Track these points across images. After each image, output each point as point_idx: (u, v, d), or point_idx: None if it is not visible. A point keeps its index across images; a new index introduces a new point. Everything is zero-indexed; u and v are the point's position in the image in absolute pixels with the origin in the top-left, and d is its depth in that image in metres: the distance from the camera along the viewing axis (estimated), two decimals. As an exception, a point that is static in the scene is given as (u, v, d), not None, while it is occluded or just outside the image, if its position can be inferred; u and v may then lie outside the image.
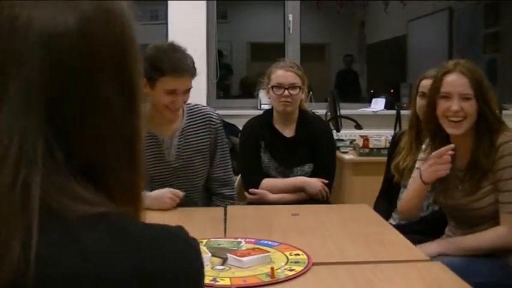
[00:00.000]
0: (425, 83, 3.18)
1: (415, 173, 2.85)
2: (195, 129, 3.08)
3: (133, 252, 0.73)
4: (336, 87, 8.51)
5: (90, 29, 0.76)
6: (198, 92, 5.48)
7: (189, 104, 3.08)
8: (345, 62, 9.47)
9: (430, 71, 3.19)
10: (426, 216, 3.16)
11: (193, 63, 2.92)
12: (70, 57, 0.74)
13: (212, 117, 3.13)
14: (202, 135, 3.08)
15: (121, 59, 0.80)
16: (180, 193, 2.91)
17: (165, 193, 2.90)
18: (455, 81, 2.64)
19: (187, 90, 2.91)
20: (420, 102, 3.21)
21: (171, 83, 2.83)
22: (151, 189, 2.89)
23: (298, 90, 3.41)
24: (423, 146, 2.92)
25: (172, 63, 2.81)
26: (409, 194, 2.87)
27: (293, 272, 1.93)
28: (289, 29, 5.69)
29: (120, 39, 0.80)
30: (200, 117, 3.10)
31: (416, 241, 2.51)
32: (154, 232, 0.77)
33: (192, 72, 2.90)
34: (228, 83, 9.77)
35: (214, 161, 3.14)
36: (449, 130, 2.66)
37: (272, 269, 1.92)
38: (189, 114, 3.09)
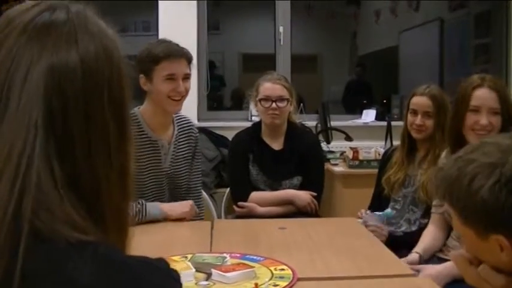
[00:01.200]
0: (416, 100, 3.22)
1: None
2: (183, 138, 3.07)
3: (113, 284, 0.75)
4: (345, 98, 8.52)
5: (91, 66, 0.84)
6: (189, 104, 5.50)
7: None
8: (356, 72, 9.33)
9: (420, 88, 3.26)
10: (413, 232, 3.17)
11: (188, 51, 2.93)
12: (71, 89, 0.82)
13: (193, 128, 3.15)
14: (187, 145, 3.07)
15: (115, 90, 0.86)
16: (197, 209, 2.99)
17: (187, 203, 2.95)
18: (484, 96, 2.73)
19: (187, 77, 2.91)
20: (411, 119, 3.23)
21: (167, 67, 2.84)
22: (144, 197, 2.88)
23: (286, 102, 3.40)
24: (442, 154, 2.94)
25: (165, 48, 2.84)
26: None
27: (277, 288, 1.92)
28: (279, 40, 5.70)
29: (115, 73, 0.87)
30: (185, 126, 3.10)
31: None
32: (135, 264, 0.80)
33: (187, 56, 2.90)
34: (220, 94, 9.77)
35: (189, 171, 3.12)
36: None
37: (256, 284, 1.90)
38: (177, 123, 3.08)
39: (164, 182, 3.00)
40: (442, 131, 3.19)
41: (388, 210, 3.21)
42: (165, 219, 2.86)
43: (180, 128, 3.07)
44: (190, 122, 3.15)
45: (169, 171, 3.00)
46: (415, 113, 3.23)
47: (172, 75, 2.84)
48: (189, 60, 2.91)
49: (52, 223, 0.74)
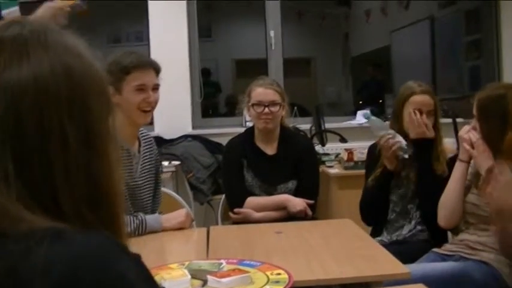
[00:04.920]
0: (419, 99, 3.23)
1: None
2: (147, 151, 3.05)
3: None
4: (362, 99, 8.51)
5: (45, 82, 0.83)
6: (183, 111, 5.51)
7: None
8: (369, 73, 9.25)
9: (414, 86, 3.31)
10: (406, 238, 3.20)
11: (157, 62, 2.91)
12: (24, 105, 0.81)
13: (153, 142, 3.14)
14: (150, 158, 3.06)
15: (77, 108, 0.85)
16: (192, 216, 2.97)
17: (181, 212, 2.94)
18: None
19: (156, 88, 2.87)
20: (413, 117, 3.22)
21: (138, 78, 2.80)
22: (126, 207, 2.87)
23: (278, 107, 3.41)
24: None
25: (134, 59, 2.82)
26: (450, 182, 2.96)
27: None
28: (271, 45, 5.72)
29: (78, 90, 0.86)
30: (147, 140, 3.09)
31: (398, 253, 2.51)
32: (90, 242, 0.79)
33: (156, 67, 2.87)
34: (216, 100, 9.79)
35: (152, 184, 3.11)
36: None
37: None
38: (141, 136, 3.05)
39: (134, 192, 2.95)
40: (437, 127, 3.22)
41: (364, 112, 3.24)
42: (163, 230, 2.85)
43: (144, 142, 3.06)
44: (151, 137, 3.16)
45: (138, 182, 2.97)
46: (420, 112, 3.23)
47: (142, 85, 2.81)
48: (157, 71, 2.88)
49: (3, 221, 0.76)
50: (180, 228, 2.89)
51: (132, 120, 2.89)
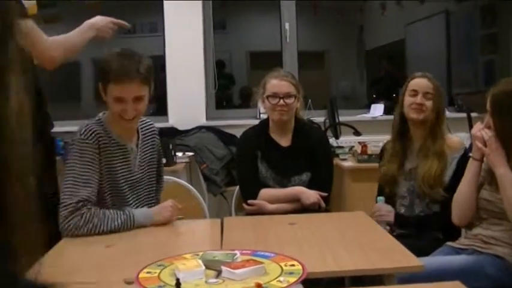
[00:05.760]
0: (416, 82, 3.32)
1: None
2: (147, 143, 3.05)
3: None
4: (376, 93, 8.44)
5: None
6: (197, 103, 5.53)
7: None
8: (383, 66, 8.81)
9: (418, 73, 3.32)
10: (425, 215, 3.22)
11: (148, 69, 2.78)
12: None
13: (156, 132, 3.13)
14: (151, 149, 3.06)
15: None
16: (178, 204, 2.91)
17: (167, 204, 2.90)
18: None
19: (139, 99, 2.77)
20: (410, 99, 3.28)
21: (116, 91, 2.74)
22: (114, 202, 2.87)
23: (293, 99, 3.41)
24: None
25: (116, 70, 2.71)
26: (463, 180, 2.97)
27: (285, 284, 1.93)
28: (286, 37, 5.72)
29: None
30: (148, 132, 3.08)
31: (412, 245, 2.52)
32: None
33: (141, 78, 2.74)
34: (230, 92, 9.79)
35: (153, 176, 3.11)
36: None
37: (259, 285, 1.89)
38: (140, 128, 3.04)
39: (133, 187, 2.94)
40: (436, 115, 3.22)
41: (379, 197, 3.29)
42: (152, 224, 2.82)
43: (144, 134, 3.04)
44: (153, 127, 3.12)
45: (137, 175, 2.97)
46: (415, 93, 3.26)
47: (120, 98, 2.75)
48: (143, 79, 2.75)
49: None
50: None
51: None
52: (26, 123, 0.69)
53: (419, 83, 3.29)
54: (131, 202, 2.92)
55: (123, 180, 2.90)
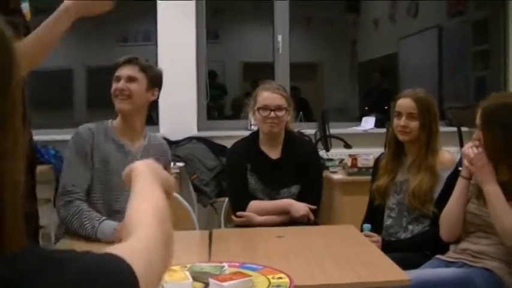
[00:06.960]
0: (400, 102, 3.30)
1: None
2: (152, 150, 3.13)
3: None
4: (368, 106, 8.45)
5: None
6: (189, 113, 5.53)
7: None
8: (376, 79, 8.88)
9: (406, 91, 3.34)
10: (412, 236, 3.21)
11: (149, 67, 3.13)
12: None
13: (167, 153, 3.31)
14: (155, 157, 3.08)
15: None
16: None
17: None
18: None
19: (132, 79, 3.06)
20: (396, 121, 3.28)
21: (116, 72, 3.09)
22: (112, 198, 2.95)
23: (284, 112, 3.42)
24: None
25: (125, 57, 3.12)
26: (451, 198, 2.99)
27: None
28: (278, 49, 5.72)
29: None
30: (156, 142, 3.24)
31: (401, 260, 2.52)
32: None
33: (140, 66, 3.09)
34: (222, 103, 9.80)
35: None
36: None
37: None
38: (150, 140, 3.18)
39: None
40: (428, 133, 3.23)
41: (366, 225, 3.26)
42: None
43: (152, 146, 3.17)
44: (165, 147, 3.32)
45: None
46: (399, 115, 3.27)
47: (117, 76, 3.08)
48: (140, 66, 3.09)
49: None
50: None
51: (129, 122, 3.10)
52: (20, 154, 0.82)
53: (402, 104, 3.29)
54: (121, 199, 2.93)
55: (116, 177, 2.91)
